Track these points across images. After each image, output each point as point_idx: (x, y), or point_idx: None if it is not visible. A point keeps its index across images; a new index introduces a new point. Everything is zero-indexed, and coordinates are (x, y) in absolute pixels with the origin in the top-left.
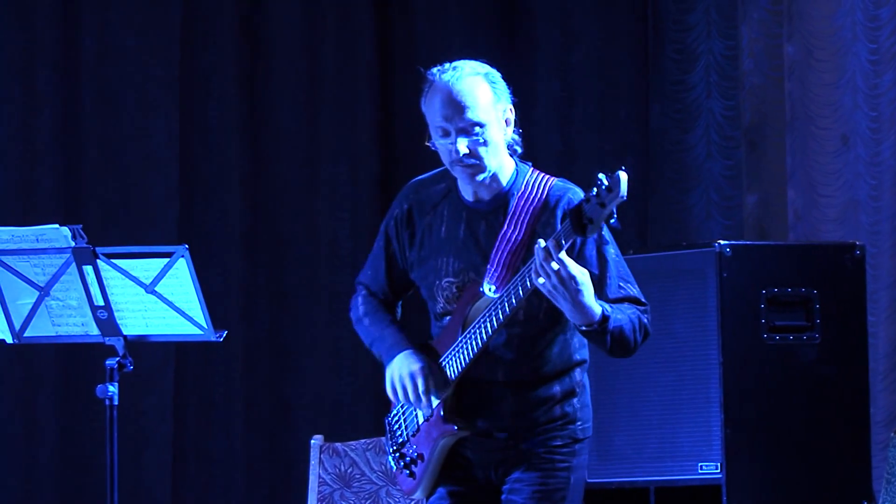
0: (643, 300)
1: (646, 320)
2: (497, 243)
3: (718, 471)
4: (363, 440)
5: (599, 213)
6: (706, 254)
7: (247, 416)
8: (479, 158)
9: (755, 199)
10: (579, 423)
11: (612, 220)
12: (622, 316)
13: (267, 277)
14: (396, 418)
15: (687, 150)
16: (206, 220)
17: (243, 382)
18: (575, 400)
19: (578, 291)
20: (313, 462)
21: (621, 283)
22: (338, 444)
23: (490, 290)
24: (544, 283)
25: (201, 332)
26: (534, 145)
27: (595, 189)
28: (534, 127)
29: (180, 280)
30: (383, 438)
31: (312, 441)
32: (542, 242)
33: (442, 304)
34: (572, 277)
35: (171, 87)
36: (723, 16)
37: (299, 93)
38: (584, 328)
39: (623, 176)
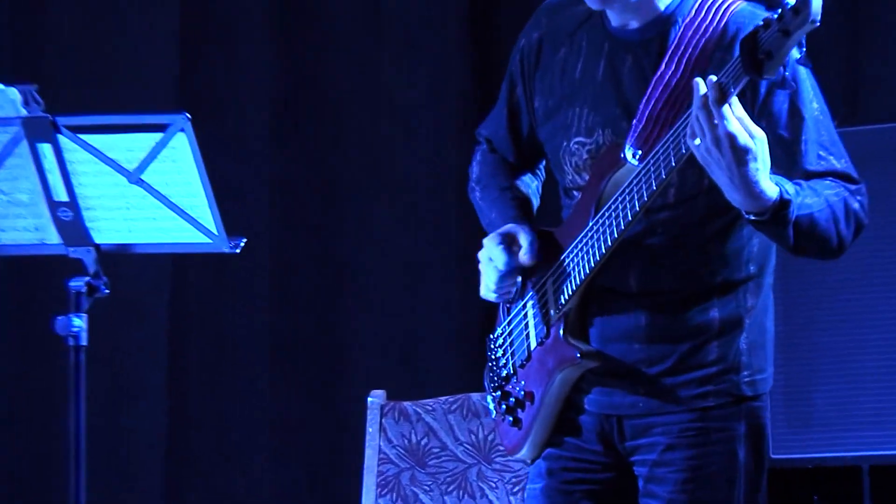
0: (855, 176)
1: (857, 205)
2: (649, 90)
3: None
4: (444, 397)
5: (781, 43)
6: None
7: (274, 361)
8: None
9: None
10: (746, 372)
11: (800, 56)
12: (816, 200)
13: (311, 162)
14: (501, 339)
15: None
16: (221, 78)
17: (272, 312)
18: (741, 336)
19: (744, 161)
20: (371, 429)
21: (822, 152)
22: (406, 404)
23: (632, 155)
24: (699, 144)
25: (209, 241)
26: None
27: (779, 11)
28: None
29: (179, 165)
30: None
31: (370, 399)
32: (701, 83)
33: (571, 177)
34: (735, 139)
35: None
36: None
37: None
38: (751, 217)
39: None
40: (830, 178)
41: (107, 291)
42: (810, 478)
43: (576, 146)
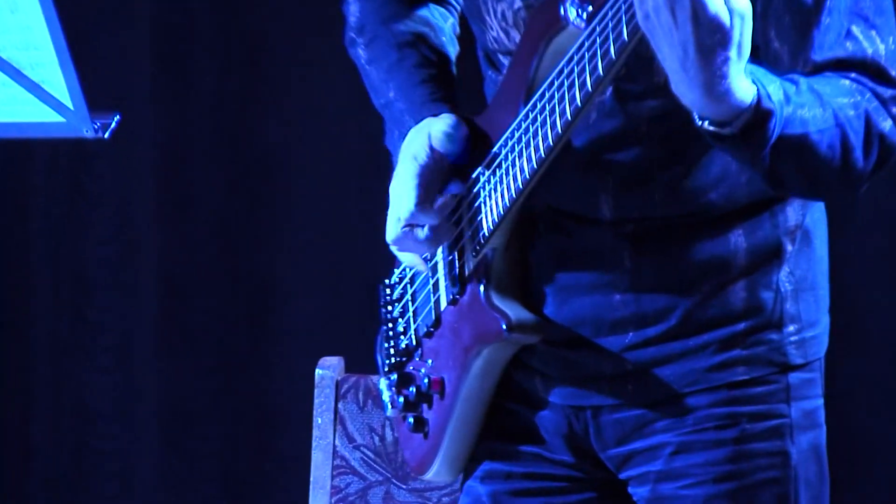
0: (893, 73)
1: (889, 124)
2: None
3: None
4: None
5: None
6: None
7: (164, 315)
8: None
9: None
10: (792, 326)
11: None
12: (818, 112)
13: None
14: (400, 289)
15: None
16: None
17: (160, 235)
18: (782, 271)
19: (710, 44)
20: (321, 419)
21: (855, 26)
22: (376, 379)
23: (577, 14)
24: (640, 3)
25: (62, 120)
26: None
27: None
28: None
29: (22, 14)
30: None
31: (319, 371)
32: None
33: (495, 33)
34: (703, 7)
35: None
36: None
37: None
38: (707, 125)
39: None
40: (855, 74)
41: None
42: None
43: None
